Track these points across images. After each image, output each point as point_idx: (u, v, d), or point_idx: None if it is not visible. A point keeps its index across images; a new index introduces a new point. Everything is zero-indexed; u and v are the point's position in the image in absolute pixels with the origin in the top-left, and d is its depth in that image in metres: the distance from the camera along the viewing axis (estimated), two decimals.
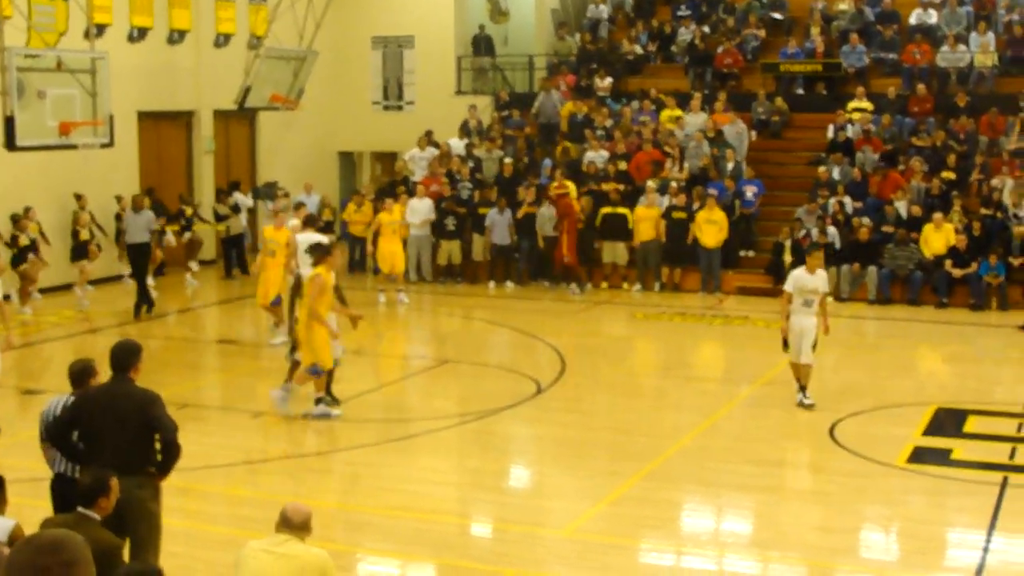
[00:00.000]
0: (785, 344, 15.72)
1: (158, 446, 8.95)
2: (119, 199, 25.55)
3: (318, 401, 15.34)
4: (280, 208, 21.86)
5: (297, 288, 15.62)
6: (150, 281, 23.49)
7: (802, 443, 14.54)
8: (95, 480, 7.91)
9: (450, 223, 26.03)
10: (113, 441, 8.74)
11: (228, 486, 13.13)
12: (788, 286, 15.72)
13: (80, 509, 7.79)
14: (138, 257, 22.71)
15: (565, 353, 19.19)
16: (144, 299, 22.33)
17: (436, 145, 28.89)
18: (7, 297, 22.53)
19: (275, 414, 15.57)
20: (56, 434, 8.99)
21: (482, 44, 33.37)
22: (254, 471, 13.71)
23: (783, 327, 15.77)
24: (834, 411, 15.52)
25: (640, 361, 20.65)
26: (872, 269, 23.59)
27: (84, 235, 24.14)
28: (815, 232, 23.86)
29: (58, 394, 9.58)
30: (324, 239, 18.96)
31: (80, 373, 9.40)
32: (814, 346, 15.56)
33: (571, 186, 25.70)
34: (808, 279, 15.67)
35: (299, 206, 22.27)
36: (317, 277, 14.94)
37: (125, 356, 9.05)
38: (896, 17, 29.50)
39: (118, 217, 25.27)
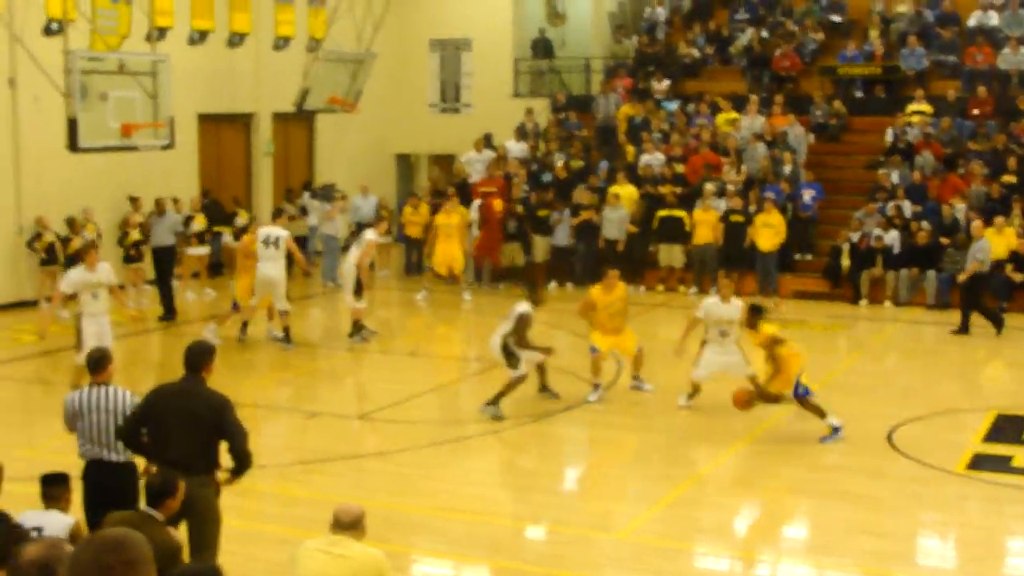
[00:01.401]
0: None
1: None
2: (176, 201, 25.76)
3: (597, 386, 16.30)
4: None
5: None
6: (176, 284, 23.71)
7: (859, 448, 14.40)
8: (164, 482, 8.02)
9: (511, 225, 26.03)
10: (182, 440, 8.84)
11: (283, 486, 13.20)
12: (700, 313, 15.72)
13: (145, 508, 7.88)
14: (162, 261, 22.80)
15: (622, 356, 19.13)
16: (167, 304, 22.40)
17: (494, 148, 28.94)
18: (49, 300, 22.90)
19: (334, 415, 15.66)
20: (128, 432, 9.10)
21: (540, 47, 33.41)
22: (309, 471, 13.78)
23: (679, 348, 16.07)
24: (892, 416, 15.42)
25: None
26: (931, 273, 23.40)
27: (133, 236, 24.30)
28: (874, 234, 23.70)
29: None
30: (285, 232, 19.40)
31: (98, 361, 9.87)
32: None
33: (630, 189, 25.72)
34: (723, 309, 15.53)
35: (380, 220, 22.45)
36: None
37: (198, 356, 9.16)
38: (956, 19, 29.25)
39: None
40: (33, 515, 8.18)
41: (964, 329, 20.93)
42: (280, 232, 19.68)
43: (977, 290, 21.18)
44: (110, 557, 3.68)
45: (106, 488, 9.08)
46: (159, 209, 23.23)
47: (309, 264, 20.93)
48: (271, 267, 19.47)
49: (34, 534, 7.53)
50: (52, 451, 11.41)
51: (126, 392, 9.83)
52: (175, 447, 8.83)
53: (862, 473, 13.51)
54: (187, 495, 8.52)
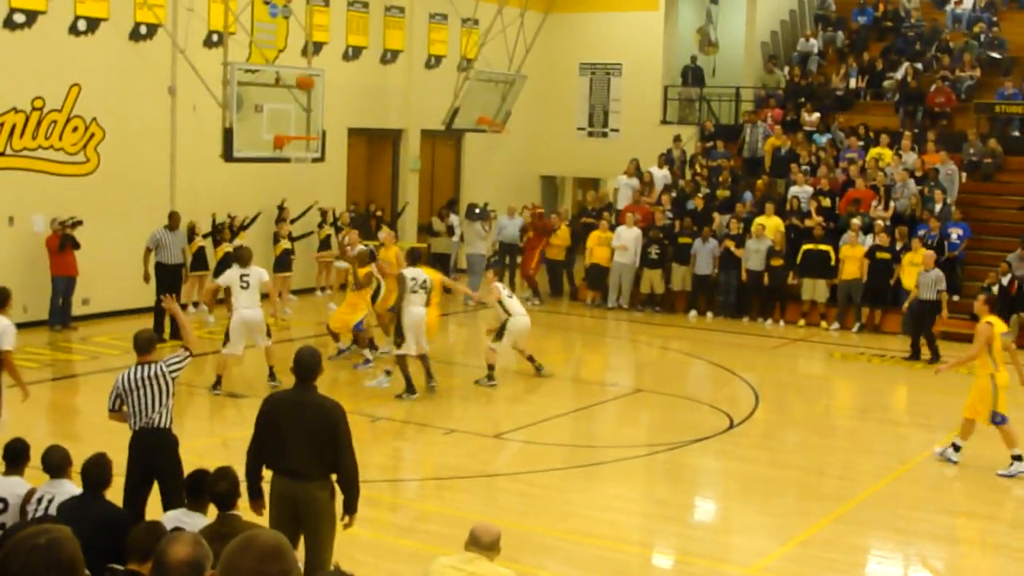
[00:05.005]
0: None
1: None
2: (324, 212, 26.11)
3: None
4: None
5: None
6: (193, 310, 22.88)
7: (1003, 496, 14.07)
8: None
9: (653, 252, 25.90)
10: (298, 448, 8.83)
11: (417, 500, 13.31)
12: None
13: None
14: (168, 280, 20.80)
15: (759, 388, 18.99)
16: (158, 326, 20.07)
17: (640, 174, 28.87)
18: (196, 304, 23.32)
19: (466, 432, 15.75)
20: (254, 452, 9.12)
21: (690, 74, 33.31)
22: (443, 487, 13.87)
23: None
24: None
25: (835, 401, 20.27)
26: None
27: (283, 245, 24.66)
28: None
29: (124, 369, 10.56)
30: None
31: (149, 341, 10.58)
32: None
33: (776, 221, 25.43)
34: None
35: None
36: (988, 326, 14.47)
37: (312, 365, 9.03)
38: None
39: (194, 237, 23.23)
40: (174, 515, 8.35)
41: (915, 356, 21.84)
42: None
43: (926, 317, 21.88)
44: (272, 566, 3.65)
45: (150, 448, 9.84)
46: (172, 224, 21.21)
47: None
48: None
49: None
50: (195, 453, 11.60)
51: (163, 364, 10.36)
52: (292, 455, 8.84)
53: (1004, 522, 13.19)
54: (305, 498, 8.76)
